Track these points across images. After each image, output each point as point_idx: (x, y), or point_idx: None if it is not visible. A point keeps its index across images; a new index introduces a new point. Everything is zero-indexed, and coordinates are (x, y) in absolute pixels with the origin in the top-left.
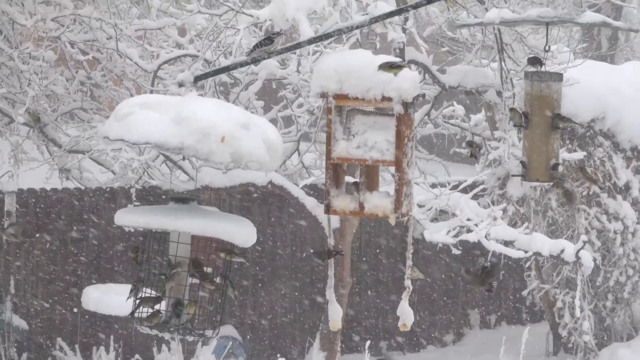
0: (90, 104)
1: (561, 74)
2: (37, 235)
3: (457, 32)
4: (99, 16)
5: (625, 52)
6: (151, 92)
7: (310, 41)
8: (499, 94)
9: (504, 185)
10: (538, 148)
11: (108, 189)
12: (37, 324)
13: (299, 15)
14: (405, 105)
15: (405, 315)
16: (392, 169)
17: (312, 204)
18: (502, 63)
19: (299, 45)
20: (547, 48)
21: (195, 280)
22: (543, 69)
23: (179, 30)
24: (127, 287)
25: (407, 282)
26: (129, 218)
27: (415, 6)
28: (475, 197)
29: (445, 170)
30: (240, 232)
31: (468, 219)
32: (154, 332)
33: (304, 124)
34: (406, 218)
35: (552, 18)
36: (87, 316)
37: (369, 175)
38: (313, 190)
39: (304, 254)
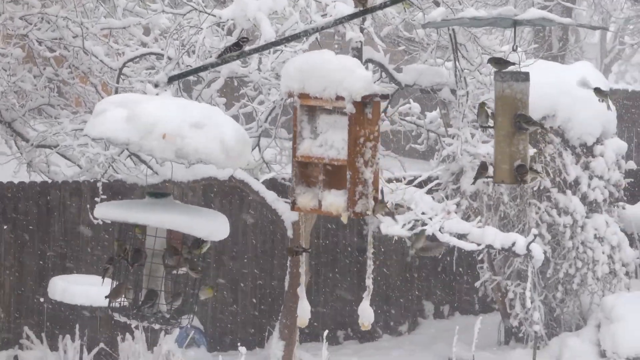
0: (58, 100)
1: (526, 74)
2: (5, 227)
3: (413, 32)
4: (66, 15)
5: (575, 52)
6: (116, 89)
7: (277, 42)
8: (453, 92)
9: (457, 180)
10: (502, 149)
11: (74, 182)
12: (3, 313)
13: (260, 15)
14: (359, 104)
15: (365, 315)
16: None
17: (272, 198)
18: (457, 62)
19: (267, 47)
20: (514, 47)
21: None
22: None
23: (144, 29)
24: (92, 278)
25: (368, 282)
26: (106, 212)
27: (379, 8)
28: (429, 191)
29: (401, 165)
30: (204, 225)
31: (423, 213)
32: (133, 321)
33: (264, 121)
34: (367, 216)
35: (494, 17)
36: (53, 306)
37: (333, 174)
38: (273, 184)
39: (265, 246)
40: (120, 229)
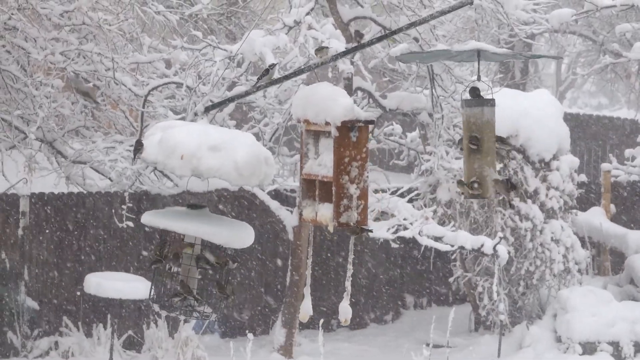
0: (92, 123)
1: (489, 100)
2: (47, 231)
3: (396, 64)
4: (99, 51)
5: (535, 81)
6: (142, 113)
7: (297, 73)
8: (431, 115)
9: (434, 190)
10: (467, 168)
11: (106, 193)
12: (46, 305)
13: (265, 50)
14: (343, 129)
15: (344, 312)
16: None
17: (275, 206)
18: (433, 90)
19: (288, 77)
20: (478, 77)
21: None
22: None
23: (166, 62)
24: (121, 275)
25: (347, 284)
26: (151, 220)
27: (370, 44)
28: (410, 200)
29: (386, 178)
30: (222, 234)
31: (404, 219)
32: (163, 311)
33: (268, 140)
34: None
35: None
36: (88, 299)
37: (327, 189)
38: (276, 194)
39: (269, 247)
40: (161, 234)
